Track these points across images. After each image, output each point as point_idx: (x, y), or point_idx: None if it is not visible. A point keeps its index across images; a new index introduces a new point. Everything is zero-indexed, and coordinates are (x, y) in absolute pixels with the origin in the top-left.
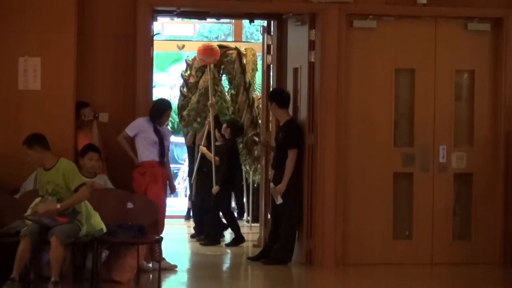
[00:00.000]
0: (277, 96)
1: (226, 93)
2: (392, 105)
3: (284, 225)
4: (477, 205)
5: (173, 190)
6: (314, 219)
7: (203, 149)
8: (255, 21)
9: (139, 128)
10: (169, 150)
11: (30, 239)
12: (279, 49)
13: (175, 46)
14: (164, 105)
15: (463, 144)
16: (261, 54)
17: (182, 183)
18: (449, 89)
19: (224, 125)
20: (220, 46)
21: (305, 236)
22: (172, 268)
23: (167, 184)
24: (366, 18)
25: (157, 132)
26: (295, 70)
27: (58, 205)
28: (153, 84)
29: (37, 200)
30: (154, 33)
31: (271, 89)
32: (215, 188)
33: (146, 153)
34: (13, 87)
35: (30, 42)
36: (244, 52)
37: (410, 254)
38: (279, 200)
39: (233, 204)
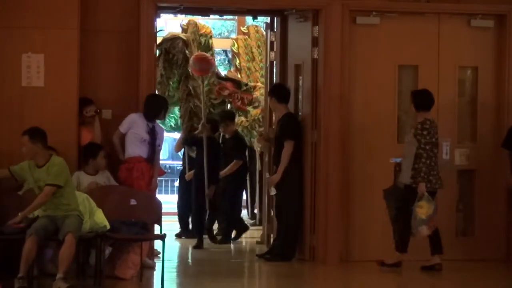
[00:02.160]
0: (277, 91)
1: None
2: (395, 101)
3: (283, 220)
4: (480, 201)
5: (153, 186)
6: (317, 215)
7: None
8: (258, 17)
9: (131, 124)
10: (160, 148)
11: (36, 237)
12: (282, 46)
13: None
14: (160, 103)
15: (466, 140)
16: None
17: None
18: (452, 86)
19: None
20: (167, 40)
21: (308, 232)
22: (152, 266)
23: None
24: (369, 14)
25: (151, 132)
26: (297, 67)
27: (19, 215)
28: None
29: None
30: (158, 30)
31: None
32: (211, 189)
33: (134, 149)
34: (16, 84)
35: (33, 38)
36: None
37: (413, 250)
38: (273, 191)
39: None
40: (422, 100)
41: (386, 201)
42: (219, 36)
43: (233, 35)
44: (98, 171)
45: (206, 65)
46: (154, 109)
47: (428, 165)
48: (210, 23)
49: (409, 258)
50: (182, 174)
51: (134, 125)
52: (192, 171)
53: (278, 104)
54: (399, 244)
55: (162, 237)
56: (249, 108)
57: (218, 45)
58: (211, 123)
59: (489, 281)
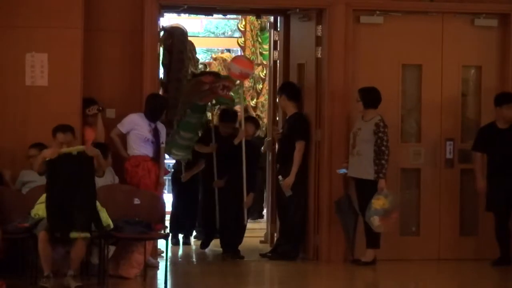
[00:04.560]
0: (288, 89)
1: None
2: (399, 101)
3: (288, 219)
4: (484, 201)
5: (161, 185)
6: (321, 215)
7: None
8: (262, 17)
9: (132, 125)
10: (164, 146)
11: (47, 233)
12: (286, 45)
13: None
14: (160, 103)
15: (470, 139)
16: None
17: None
18: (456, 85)
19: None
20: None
21: (312, 232)
22: (155, 265)
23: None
24: (373, 13)
25: (154, 131)
26: (300, 66)
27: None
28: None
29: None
30: (161, 29)
31: (277, 84)
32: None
33: (138, 149)
34: (20, 83)
35: (37, 37)
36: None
37: (417, 250)
38: (289, 192)
39: None
40: (372, 97)
41: (341, 212)
42: (223, 36)
43: (237, 35)
44: (105, 170)
45: (246, 68)
46: (155, 110)
47: (387, 161)
48: (214, 22)
49: (412, 258)
50: (175, 175)
51: (135, 126)
52: (187, 173)
53: (288, 101)
54: (372, 240)
55: (166, 236)
56: None
57: (221, 44)
58: (253, 122)
59: (493, 281)
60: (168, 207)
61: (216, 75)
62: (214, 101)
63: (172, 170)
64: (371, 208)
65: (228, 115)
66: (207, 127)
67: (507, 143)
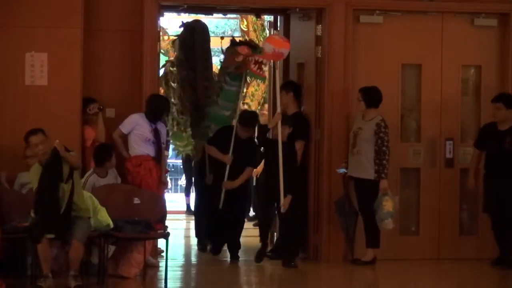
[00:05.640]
0: (296, 87)
1: None
2: (398, 100)
3: (288, 219)
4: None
5: (163, 185)
6: (321, 214)
7: None
8: (260, 16)
9: (133, 124)
10: (166, 146)
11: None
12: None
13: None
14: (161, 104)
15: (469, 139)
16: None
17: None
18: (455, 85)
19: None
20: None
21: (312, 231)
22: (155, 265)
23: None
24: (372, 13)
25: (154, 131)
26: (299, 65)
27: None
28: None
29: None
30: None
31: (277, 83)
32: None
33: (140, 149)
34: (20, 83)
35: (37, 37)
36: None
37: (416, 250)
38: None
39: None
40: (373, 97)
41: (341, 211)
42: (223, 35)
43: (237, 34)
44: (108, 171)
45: (281, 47)
46: (156, 110)
47: (388, 162)
48: (214, 22)
49: (412, 257)
50: (198, 177)
51: (136, 126)
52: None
53: (294, 99)
54: (372, 240)
55: (166, 235)
56: None
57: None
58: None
59: (493, 281)
60: (178, 208)
61: (252, 47)
62: (248, 75)
63: (172, 170)
64: (384, 210)
65: (248, 119)
66: (229, 125)
67: (504, 144)
